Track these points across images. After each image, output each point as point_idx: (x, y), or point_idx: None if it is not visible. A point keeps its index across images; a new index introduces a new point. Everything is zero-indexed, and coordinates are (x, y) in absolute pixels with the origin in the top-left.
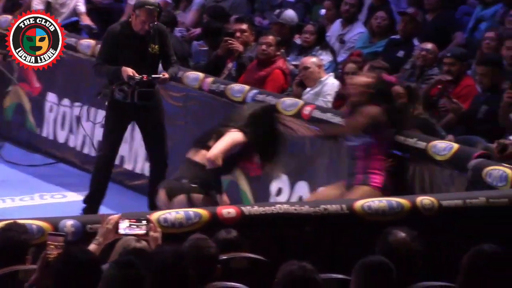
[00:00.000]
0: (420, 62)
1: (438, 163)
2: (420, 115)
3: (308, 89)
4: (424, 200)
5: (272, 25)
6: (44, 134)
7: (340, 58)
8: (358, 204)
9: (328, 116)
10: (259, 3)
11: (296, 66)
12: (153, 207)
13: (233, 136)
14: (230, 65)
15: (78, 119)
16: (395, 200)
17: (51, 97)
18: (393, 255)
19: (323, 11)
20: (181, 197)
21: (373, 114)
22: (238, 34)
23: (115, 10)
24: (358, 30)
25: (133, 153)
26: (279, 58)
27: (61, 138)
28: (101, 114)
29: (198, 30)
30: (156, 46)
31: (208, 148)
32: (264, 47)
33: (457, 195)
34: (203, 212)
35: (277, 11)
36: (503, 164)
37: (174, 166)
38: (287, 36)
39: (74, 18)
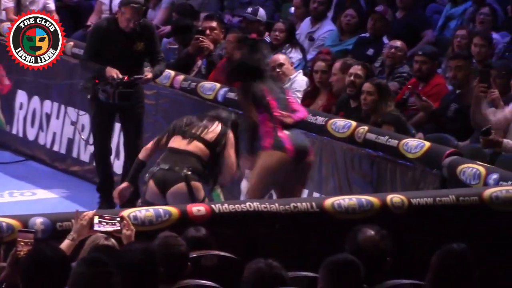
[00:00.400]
0: (389, 60)
1: (409, 161)
2: (392, 111)
3: None
4: (394, 198)
5: (247, 23)
6: (14, 131)
7: (309, 56)
8: (328, 202)
9: None
10: (229, 1)
11: None
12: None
13: (233, 142)
14: (199, 62)
15: (48, 117)
16: (365, 198)
17: (21, 94)
18: (362, 253)
19: (292, 9)
20: (181, 185)
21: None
22: (208, 31)
23: (84, 8)
24: (327, 28)
25: None
26: None
27: (31, 136)
28: (71, 112)
29: (167, 28)
30: (142, 43)
31: (201, 140)
32: (226, 45)
33: (427, 193)
34: (173, 210)
35: (250, 9)
36: (476, 162)
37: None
38: (259, 34)
39: None
